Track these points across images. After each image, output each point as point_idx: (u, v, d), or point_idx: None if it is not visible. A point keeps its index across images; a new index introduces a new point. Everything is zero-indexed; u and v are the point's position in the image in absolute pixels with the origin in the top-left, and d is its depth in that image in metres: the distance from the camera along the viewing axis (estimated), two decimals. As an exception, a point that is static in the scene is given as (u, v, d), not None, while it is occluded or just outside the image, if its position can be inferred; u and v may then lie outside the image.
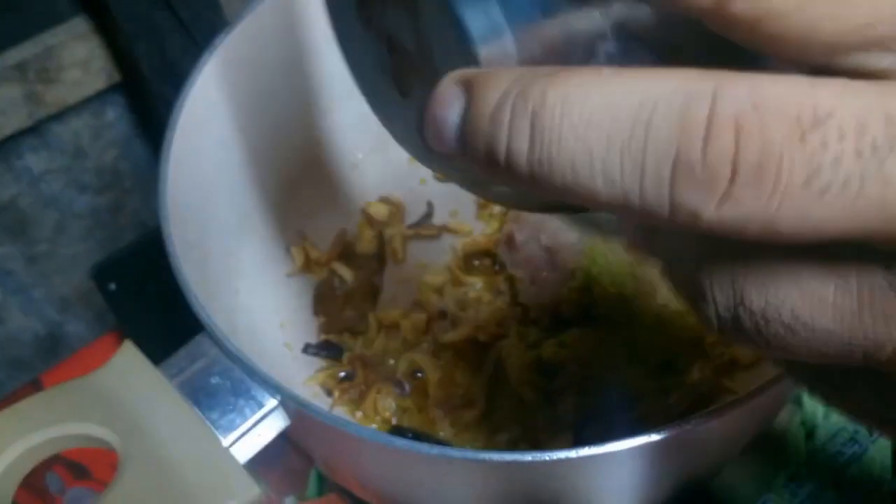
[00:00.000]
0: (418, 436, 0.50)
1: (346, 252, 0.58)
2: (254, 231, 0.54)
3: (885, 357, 0.20)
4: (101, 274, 0.62)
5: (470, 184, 0.26)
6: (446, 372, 0.53)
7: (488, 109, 0.19)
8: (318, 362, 0.55)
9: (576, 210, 0.24)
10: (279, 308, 0.54)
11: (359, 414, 0.52)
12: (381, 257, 0.59)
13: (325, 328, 0.56)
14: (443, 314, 0.55)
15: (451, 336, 0.54)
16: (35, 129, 0.74)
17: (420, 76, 0.25)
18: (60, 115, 0.75)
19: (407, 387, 0.52)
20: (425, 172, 0.62)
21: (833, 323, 0.20)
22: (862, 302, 0.20)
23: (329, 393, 0.53)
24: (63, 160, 0.79)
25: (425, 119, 0.21)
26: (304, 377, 0.53)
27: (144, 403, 0.36)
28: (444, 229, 0.60)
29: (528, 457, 0.32)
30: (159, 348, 0.39)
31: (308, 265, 0.57)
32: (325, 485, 0.55)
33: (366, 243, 0.59)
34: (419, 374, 0.53)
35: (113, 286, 0.61)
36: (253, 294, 0.52)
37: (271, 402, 0.36)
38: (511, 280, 0.55)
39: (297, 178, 0.57)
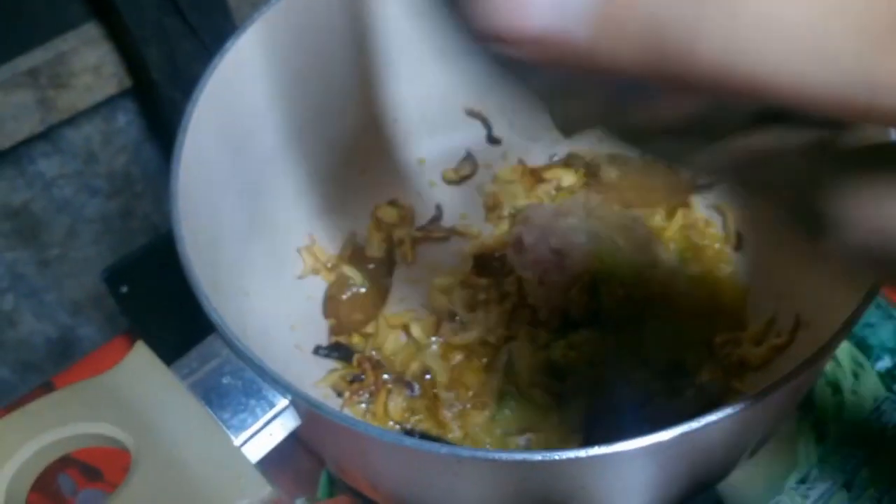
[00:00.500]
0: (427, 438, 0.50)
1: (355, 255, 0.59)
2: (264, 233, 0.54)
3: None
4: (113, 277, 0.63)
5: (626, 135, 0.24)
6: (455, 374, 0.54)
7: None
8: (328, 364, 0.55)
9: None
10: (289, 310, 0.55)
11: (369, 416, 0.52)
12: (390, 260, 0.59)
13: (335, 330, 0.56)
14: (452, 316, 0.55)
15: (460, 338, 0.54)
16: (47, 135, 0.75)
17: None
18: (72, 121, 0.75)
19: (417, 388, 0.52)
20: (434, 175, 0.62)
21: None
22: None
23: (339, 394, 0.53)
24: (75, 165, 0.79)
25: None
26: (315, 379, 0.53)
27: (156, 403, 0.36)
28: (454, 232, 0.60)
29: (538, 456, 0.32)
30: (171, 349, 0.39)
31: (317, 267, 0.57)
32: (335, 486, 0.55)
33: (375, 246, 0.59)
34: (428, 376, 0.53)
35: (125, 289, 0.62)
36: (263, 296, 0.52)
37: (282, 402, 0.36)
38: (520, 282, 0.55)
39: (306, 180, 0.57)
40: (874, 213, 0.19)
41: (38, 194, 0.79)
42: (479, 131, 0.62)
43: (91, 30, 0.72)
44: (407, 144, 0.61)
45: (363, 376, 0.54)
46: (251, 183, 0.52)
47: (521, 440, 0.50)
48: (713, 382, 0.50)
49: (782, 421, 0.48)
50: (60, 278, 0.84)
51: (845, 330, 0.36)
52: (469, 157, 0.62)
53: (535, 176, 0.61)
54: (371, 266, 0.58)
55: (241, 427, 0.36)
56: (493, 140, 0.63)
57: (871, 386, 0.55)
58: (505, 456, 0.32)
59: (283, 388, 0.36)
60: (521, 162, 0.62)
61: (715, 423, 0.33)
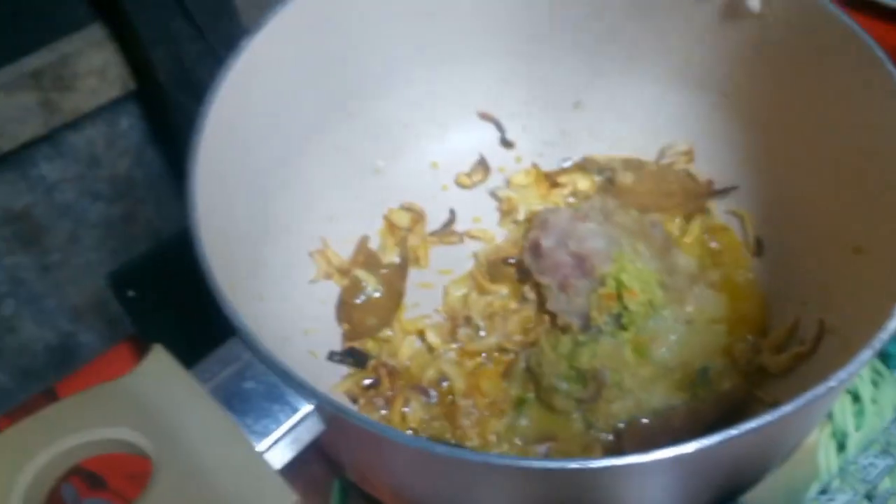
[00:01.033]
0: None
1: (368, 259, 0.58)
2: (277, 237, 0.53)
3: None
4: (119, 281, 0.62)
5: None
6: (472, 380, 0.53)
7: None
8: (342, 369, 0.54)
9: None
10: (303, 314, 0.54)
11: (384, 423, 0.51)
12: (403, 264, 0.58)
13: (349, 335, 0.55)
14: (468, 321, 0.54)
15: (477, 344, 0.53)
16: (50, 138, 0.74)
17: None
18: (75, 124, 0.74)
19: (434, 395, 0.51)
20: (447, 179, 0.61)
21: None
22: None
23: (354, 400, 0.52)
24: (77, 169, 0.78)
25: None
26: (330, 384, 0.52)
27: (177, 408, 0.35)
28: (468, 236, 0.59)
29: (574, 464, 0.31)
30: (180, 354, 0.38)
31: (330, 271, 0.56)
32: (348, 495, 0.54)
33: (389, 250, 0.58)
34: (445, 383, 0.53)
35: (131, 293, 0.61)
36: (277, 300, 0.51)
37: (306, 408, 0.36)
38: (538, 287, 0.54)
39: (319, 184, 0.56)
40: None
41: (40, 198, 0.78)
42: (492, 134, 0.62)
43: (96, 32, 0.71)
44: (419, 148, 0.61)
45: (378, 382, 0.53)
46: (264, 186, 0.51)
47: (541, 448, 0.49)
48: (736, 390, 0.50)
49: (814, 428, 0.48)
50: (61, 284, 0.83)
51: (882, 335, 0.35)
52: (482, 162, 0.61)
53: (550, 180, 0.61)
54: (384, 271, 0.58)
55: (264, 433, 0.35)
56: (506, 143, 0.62)
57: (890, 394, 0.55)
58: (538, 464, 0.32)
59: (308, 392, 0.35)
60: (534, 166, 0.61)
61: (755, 429, 0.32)
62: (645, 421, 0.49)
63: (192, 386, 0.35)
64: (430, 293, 0.57)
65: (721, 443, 0.32)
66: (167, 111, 0.74)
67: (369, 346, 0.54)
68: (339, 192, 0.58)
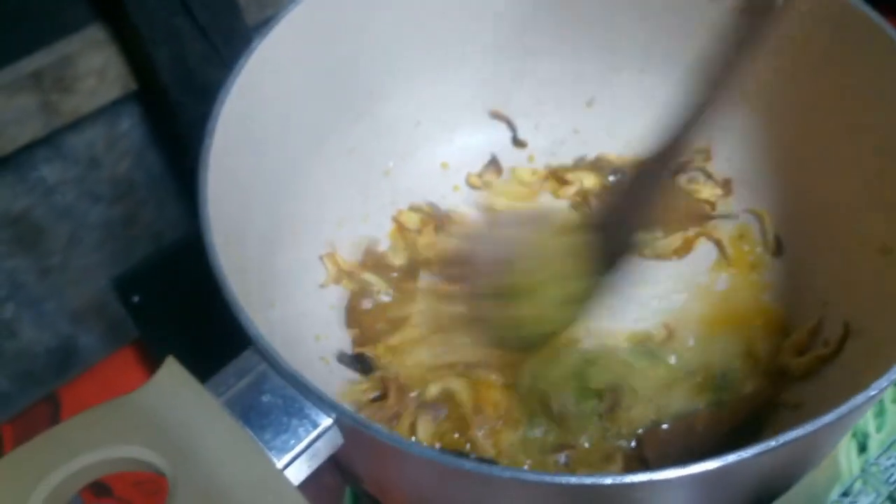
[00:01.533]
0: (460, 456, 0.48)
1: (377, 262, 0.57)
2: (286, 241, 0.52)
3: None
4: (123, 286, 0.61)
5: None
6: (481, 392, 0.51)
7: None
8: (351, 375, 0.53)
9: None
10: (313, 320, 0.53)
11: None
12: (413, 267, 0.57)
13: (358, 341, 0.54)
14: None
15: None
16: (49, 140, 0.72)
17: None
18: (75, 125, 0.73)
19: (443, 412, 0.50)
20: (458, 179, 0.60)
21: None
22: None
23: (358, 411, 0.51)
24: (77, 171, 0.77)
25: None
26: (341, 392, 0.51)
27: (192, 424, 0.34)
28: (479, 237, 0.58)
29: (608, 480, 0.30)
30: (185, 360, 0.37)
31: (339, 276, 0.55)
32: (360, 503, 0.53)
33: (398, 253, 0.57)
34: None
35: (136, 298, 0.60)
36: (288, 306, 0.50)
37: (326, 421, 0.34)
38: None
39: (329, 186, 0.55)
40: None
41: (39, 201, 0.77)
42: (503, 134, 0.61)
43: (96, 32, 0.69)
44: (429, 148, 0.60)
45: (383, 395, 0.52)
46: (275, 190, 0.50)
47: (560, 457, 0.48)
48: (758, 393, 0.49)
49: (845, 435, 0.47)
50: (61, 287, 0.82)
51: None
52: (494, 162, 0.60)
53: (558, 177, 0.60)
54: (394, 274, 0.57)
55: (284, 449, 0.34)
56: (518, 143, 0.61)
57: (912, 394, 0.54)
58: (573, 480, 0.31)
59: (329, 406, 0.34)
60: (547, 166, 0.60)
61: (795, 439, 0.31)
62: (665, 426, 0.48)
63: (207, 401, 0.34)
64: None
65: (761, 453, 0.31)
66: (169, 112, 0.73)
67: (380, 352, 0.53)
68: (348, 194, 0.57)
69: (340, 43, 0.52)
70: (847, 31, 0.47)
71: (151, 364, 0.67)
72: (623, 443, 0.48)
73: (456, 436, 0.50)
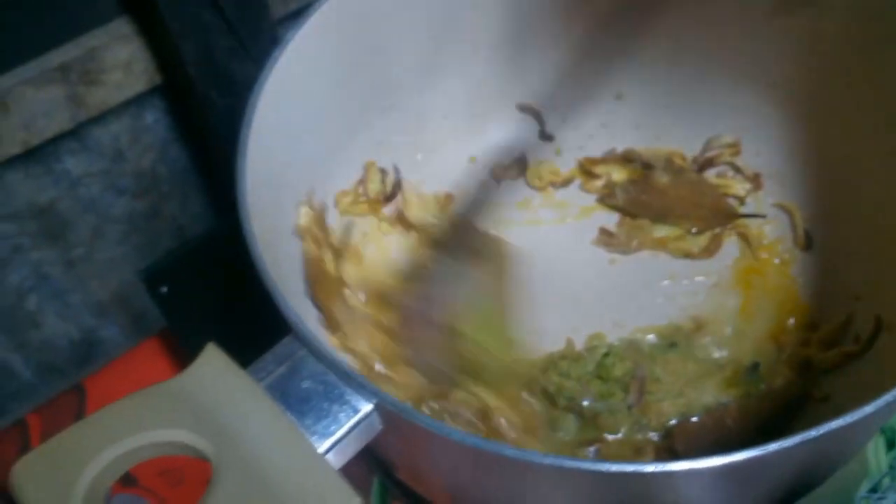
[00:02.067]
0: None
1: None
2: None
3: None
4: (152, 277, 0.61)
5: None
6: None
7: None
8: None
9: None
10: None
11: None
12: None
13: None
14: None
15: None
16: (75, 133, 0.73)
17: None
18: (101, 118, 0.74)
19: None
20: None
21: None
22: None
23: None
24: (102, 164, 0.77)
25: None
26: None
27: (234, 408, 0.34)
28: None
29: (650, 468, 0.31)
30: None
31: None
32: (388, 495, 0.54)
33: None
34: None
35: (164, 289, 0.60)
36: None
37: (367, 407, 0.35)
38: None
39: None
40: None
41: (65, 193, 0.77)
42: (531, 127, 0.61)
43: (123, 25, 0.70)
44: (457, 142, 0.60)
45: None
46: (309, 181, 0.50)
47: (590, 451, 0.48)
48: (788, 386, 0.49)
49: (876, 431, 0.47)
50: (85, 279, 0.83)
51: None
52: (520, 159, 0.60)
53: (586, 170, 0.60)
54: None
55: (325, 434, 0.34)
56: (545, 136, 0.61)
57: (940, 389, 0.54)
58: (613, 468, 0.31)
59: (370, 392, 0.34)
60: (575, 160, 0.60)
61: (833, 431, 0.31)
62: (695, 420, 0.48)
63: (249, 385, 0.35)
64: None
65: (802, 443, 0.31)
66: (195, 106, 0.73)
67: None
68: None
69: (370, 35, 0.53)
70: (884, 25, 0.47)
71: (175, 355, 0.68)
72: (653, 436, 0.48)
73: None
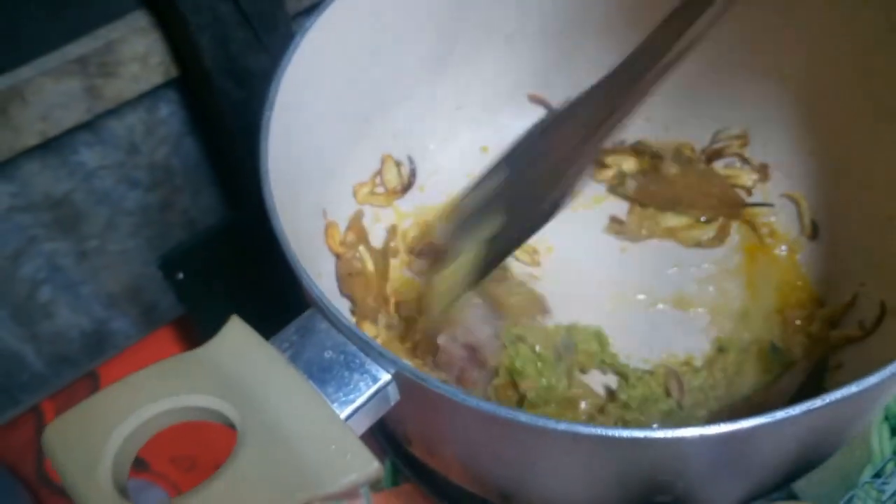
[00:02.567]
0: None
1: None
2: (333, 215, 0.53)
3: None
4: (168, 264, 0.62)
5: None
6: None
7: None
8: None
9: None
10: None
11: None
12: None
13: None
14: None
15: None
16: (90, 125, 0.74)
17: None
18: (116, 111, 0.75)
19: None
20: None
21: None
22: None
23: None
24: (116, 156, 0.78)
25: None
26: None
27: (258, 376, 0.35)
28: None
29: (660, 434, 0.31)
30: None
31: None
32: (399, 476, 0.54)
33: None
34: None
35: (181, 275, 0.61)
36: (334, 278, 0.51)
37: (385, 377, 0.36)
38: None
39: (374, 165, 0.56)
40: None
41: (79, 185, 0.78)
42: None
43: (140, 18, 0.71)
44: (469, 132, 0.61)
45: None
46: (326, 163, 0.51)
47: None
48: (808, 356, 0.50)
49: (880, 409, 0.48)
50: (98, 270, 0.83)
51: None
52: (532, 148, 0.61)
53: (596, 161, 0.61)
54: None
55: (346, 402, 0.35)
56: (557, 127, 0.62)
57: (943, 377, 0.55)
58: (626, 434, 0.32)
59: (389, 361, 0.35)
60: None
61: (838, 401, 0.32)
62: (730, 406, 0.49)
63: (272, 354, 0.35)
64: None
65: (808, 411, 0.32)
66: (210, 98, 0.74)
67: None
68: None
69: (385, 26, 0.53)
70: (892, 16, 0.47)
71: (188, 343, 0.69)
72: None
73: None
